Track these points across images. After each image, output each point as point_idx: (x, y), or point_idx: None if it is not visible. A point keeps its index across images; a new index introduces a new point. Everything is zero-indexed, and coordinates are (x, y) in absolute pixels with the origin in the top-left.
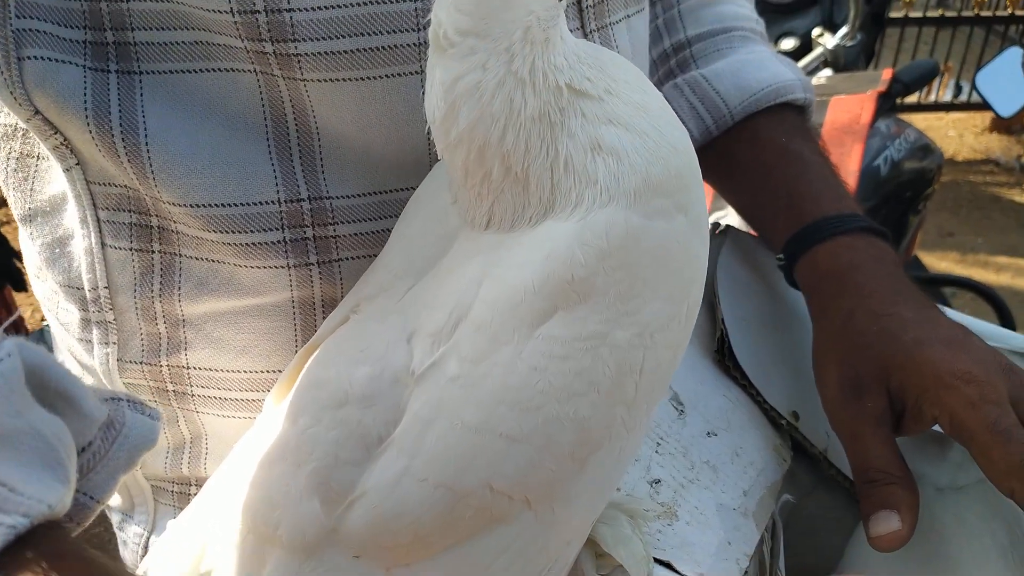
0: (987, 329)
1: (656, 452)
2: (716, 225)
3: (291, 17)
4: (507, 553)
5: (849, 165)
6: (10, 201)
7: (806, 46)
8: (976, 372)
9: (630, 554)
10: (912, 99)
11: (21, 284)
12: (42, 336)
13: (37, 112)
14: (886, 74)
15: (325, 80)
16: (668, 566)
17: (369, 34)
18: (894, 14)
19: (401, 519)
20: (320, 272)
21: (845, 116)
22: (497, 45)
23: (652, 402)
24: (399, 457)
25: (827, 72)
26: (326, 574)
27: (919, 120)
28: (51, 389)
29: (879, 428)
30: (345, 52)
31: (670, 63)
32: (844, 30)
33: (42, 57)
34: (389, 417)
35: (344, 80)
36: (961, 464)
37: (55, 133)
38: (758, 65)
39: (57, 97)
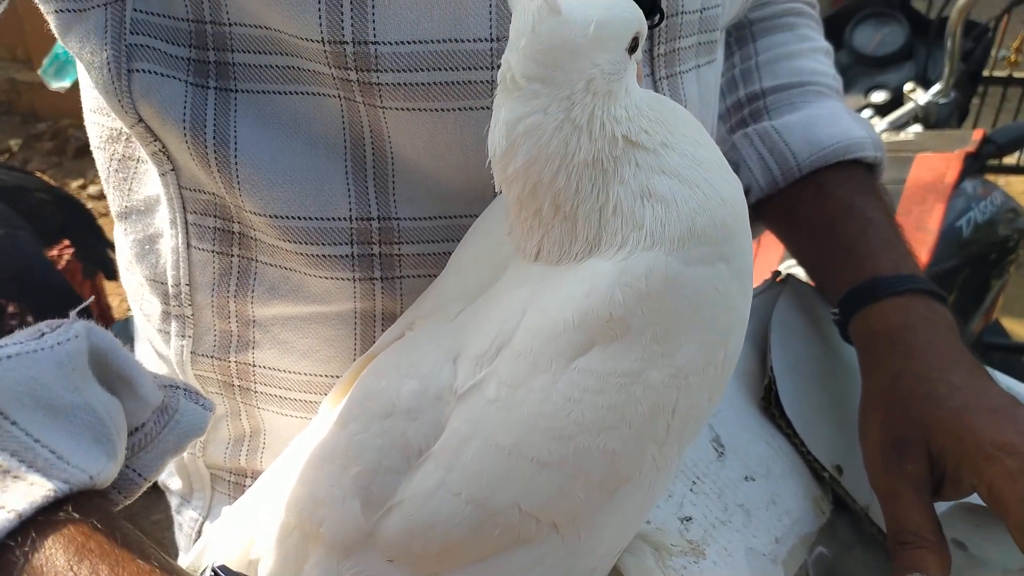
0: None
1: (691, 491)
2: (777, 273)
3: (376, 49)
4: (531, 573)
5: (930, 224)
6: (109, 198)
7: (897, 100)
8: (1019, 444)
9: None
10: (1010, 160)
11: (113, 273)
12: (127, 325)
13: (140, 120)
14: (976, 134)
15: (402, 109)
16: None
17: (446, 69)
18: (997, 73)
19: (433, 529)
20: (383, 287)
21: (930, 174)
22: (559, 92)
23: (684, 442)
24: (436, 470)
25: (917, 128)
26: (362, 574)
27: (1015, 183)
28: (113, 371)
29: (917, 492)
30: (422, 84)
31: (743, 112)
32: (937, 87)
33: (149, 71)
34: (430, 431)
35: (420, 110)
36: None
37: (155, 140)
38: (830, 120)
39: (159, 108)
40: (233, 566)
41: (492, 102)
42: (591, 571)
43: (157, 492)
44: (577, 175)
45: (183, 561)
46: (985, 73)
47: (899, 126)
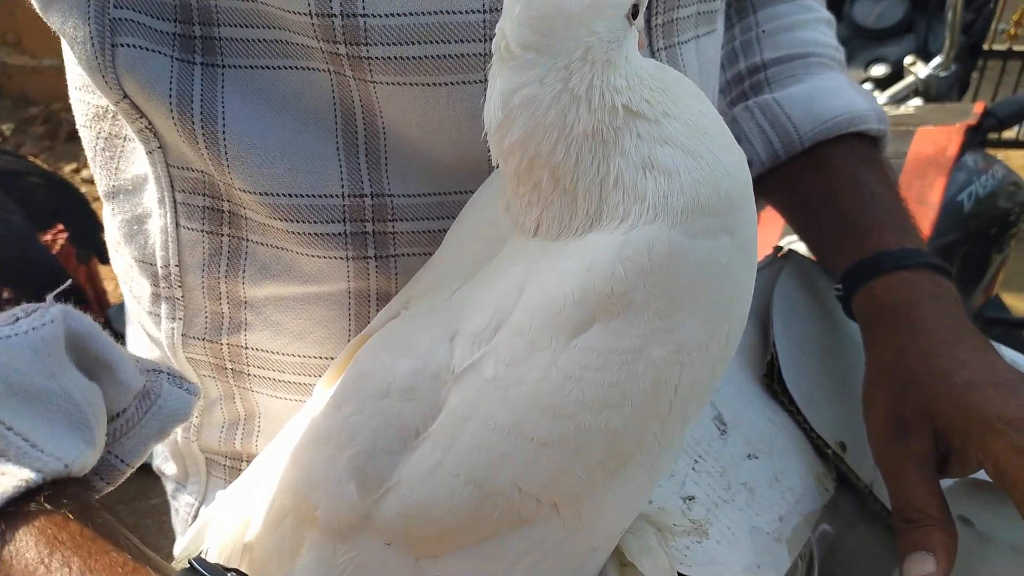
0: None
1: (693, 469)
2: (779, 249)
3: (364, 22)
4: (532, 554)
5: (931, 198)
6: (96, 177)
7: (898, 74)
8: None
9: (653, 565)
10: (1009, 134)
11: (107, 258)
12: (122, 310)
13: (125, 96)
14: (977, 107)
15: (393, 83)
16: None
17: (437, 42)
18: (997, 46)
19: (431, 511)
20: (377, 266)
21: (931, 148)
22: (556, 62)
23: (687, 419)
24: (433, 451)
25: (917, 101)
26: (358, 558)
27: (1014, 157)
28: (92, 356)
29: (922, 468)
30: (413, 58)
31: (744, 85)
32: (938, 60)
33: (134, 45)
34: (427, 411)
35: (411, 84)
36: None
37: (140, 117)
38: (832, 93)
39: (144, 83)
40: (227, 550)
41: (485, 75)
42: (593, 552)
43: (155, 476)
44: (576, 147)
45: (178, 545)
46: (985, 47)
47: (899, 100)
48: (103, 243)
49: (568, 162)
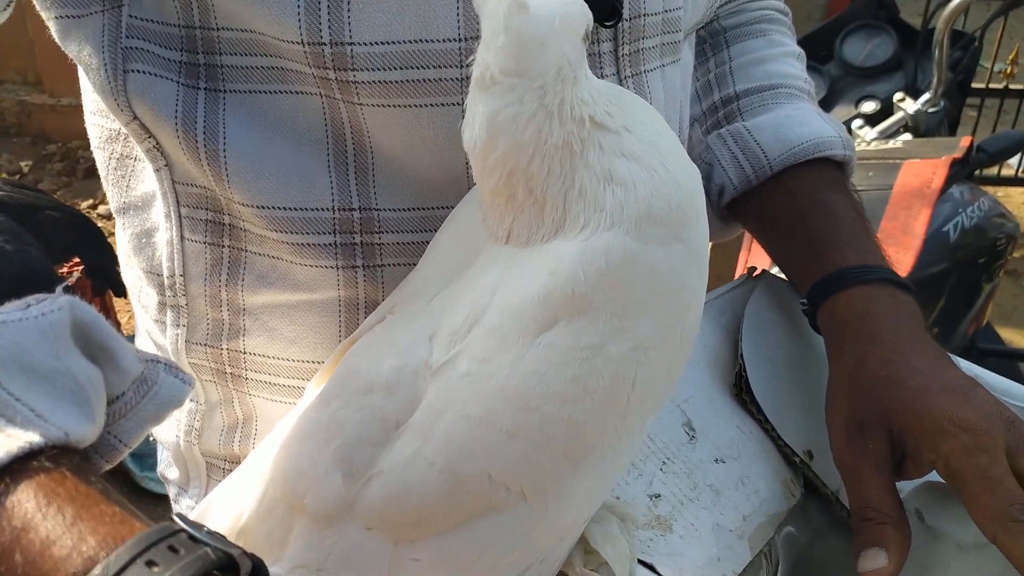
0: (1009, 387)
1: (661, 470)
2: (753, 269)
3: (351, 50)
4: (502, 541)
5: (916, 228)
6: (108, 195)
7: (887, 110)
8: (974, 421)
9: (615, 552)
10: (1009, 171)
11: (122, 290)
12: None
13: (135, 118)
14: (964, 141)
15: (379, 105)
16: (651, 568)
17: (417, 67)
18: (994, 85)
19: (409, 497)
20: (365, 275)
21: (916, 180)
22: (533, 83)
23: (645, 415)
24: (412, 441)
25: (907, 136)
26: (342, 542)
27: (1015, 195)
28: (95, 343)
29: (878, 470)
30: (396, 82)
31: (718, 115)
32: (926, 96)
33: (144, 71)
34: (407, 405)
35: (395, 106)
36: None
37: (149, 137)
38: (799, 120)
39: (153, 106)
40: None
41: (462, 98)
42: (559, 540)
43: (148, 497)
44: (549, 159)
45: None
46: (981, 85)
47: (889, 135)
48: (118, 276)
49: (541, 173)
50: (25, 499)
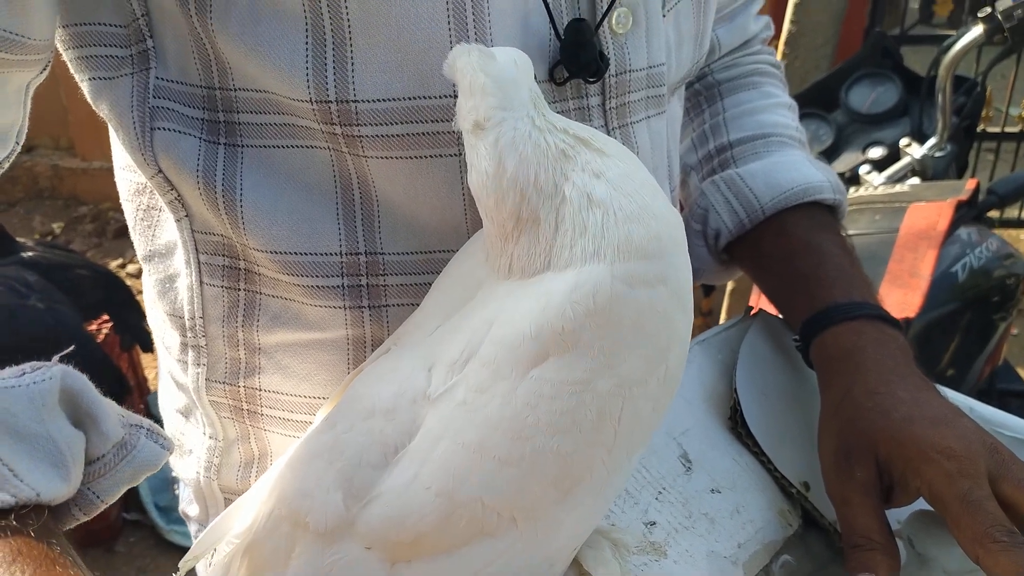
0: (1005, 419)
1: (656, 499)
2: (749, 309)
3: (356, 107)
4: (494, 564)
5: (922, 270)
6: (135, 243)
7: (894, 156)
8: (957, 448)
9: (608, 574)
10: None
11: (149, 346)
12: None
13: (160, 171)
14: (969, 184)
15: (382, 157)
16: None
17: (417, 122)
18: (1010, 129)
19: (406, 519)
20: (370, 315)
21: (922, 222)
22: (519, 113)
23: (632, 448)
24: (410, 466)
25: (915, 181)
26: (341, 561)
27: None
28: (82, 409)
29: (866, 497)
30: (397, 136)
31: (713, 162)
32: (932, 141)
33: (169, 128)
34: (406, 431)
35: (397, 158)
36: None
37: (171, 189)
38: (790, 167)
39: (176, 160)
40: (231, 554)
41: (459, 150)
42: (550, 565)
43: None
44: (550, 167)
45: (193, 550)
46: (998, 129)
47: (897, 180)
48: (146, 333)
49: (548, 183)
50: None
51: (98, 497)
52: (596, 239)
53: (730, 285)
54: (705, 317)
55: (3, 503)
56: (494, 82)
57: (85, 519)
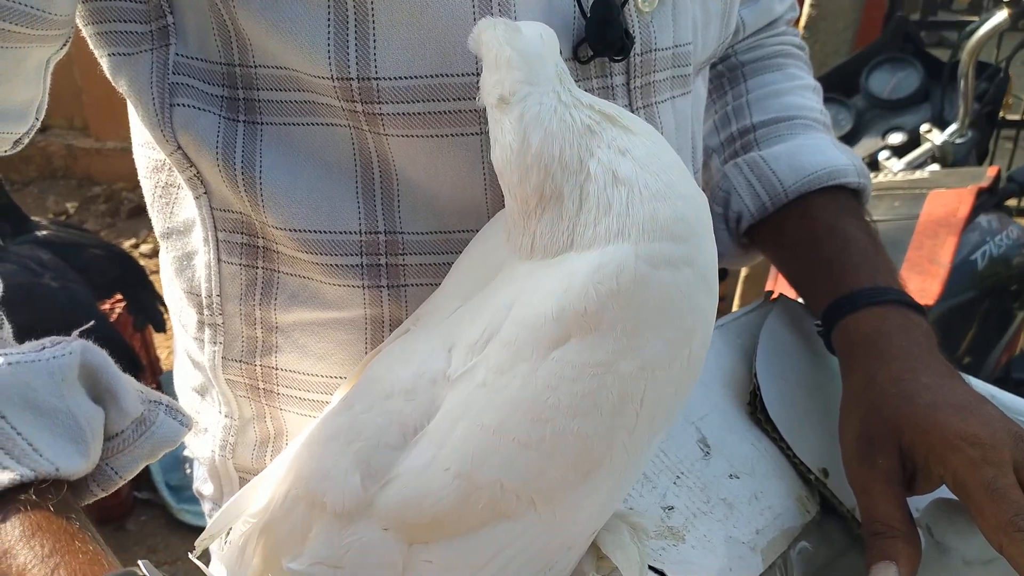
0: (1017, 404)
1: (674, 484)
2: (770, 293)
3: (377, 84)
4: (512, 547)
5: (941, 257)
6: (153, 220)
7: (915, 141)
8: (982, 435)
9: (626, 558)
10: None
11: (162, 326)
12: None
13: (179, 148)
14: (991, 171)
15: (403, 136)
16: (661, 574)
17: (438, 100)
18: None
19: (424, 501)
20: (389, 294)
21: (942, 209)
22: (545, 88)
23: (654, 432)
24: (429, 447)
25: (935, 167)
26: (358, 542)
27: None
28: (101, 385)
29: (889, 484)
30: (419, 114)
31: (735, 145)
32: (953, 127)
33: (188, 105)
34: (426, 411)
35: (418, 136)
36: None
37: (191, 166)
38: (814, 150)
39: (196, 137)
40: (247, 534)
41: (480, 128)
42: (567, 549)
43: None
44: (575, 143)
45: (208, 529)
46: (1016, 117)
47: (917, 166)
48: (159, 313)
49: (573, 158)
50: (11, 528)
51: (116, 473)
52: (621, 218)
53: (745, 271)
54: (719, 302)
55: (23, 477)
56: (520, 56)
57: (103, 495)
